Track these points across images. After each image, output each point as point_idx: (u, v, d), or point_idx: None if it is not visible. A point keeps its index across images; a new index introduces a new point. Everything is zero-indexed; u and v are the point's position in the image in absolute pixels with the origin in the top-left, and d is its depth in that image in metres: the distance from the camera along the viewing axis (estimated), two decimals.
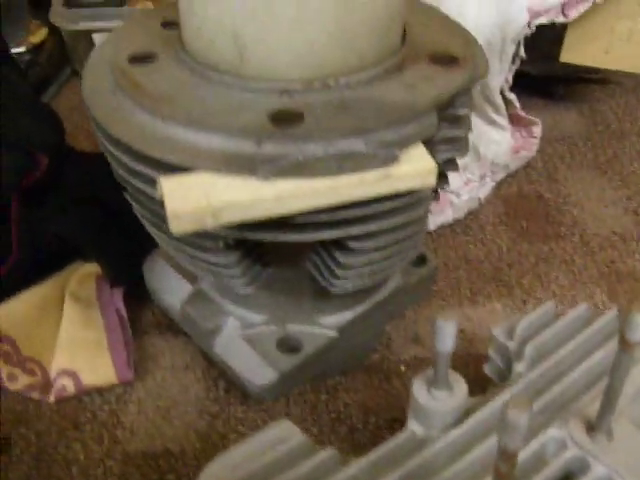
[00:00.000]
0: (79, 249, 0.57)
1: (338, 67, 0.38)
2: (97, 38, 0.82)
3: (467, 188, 0.67)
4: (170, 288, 0.53)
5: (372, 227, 0.38)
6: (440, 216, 0.66)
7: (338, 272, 0.41)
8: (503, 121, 0.72)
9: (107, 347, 0.54)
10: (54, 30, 0.88)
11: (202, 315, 0.49)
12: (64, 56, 0.90)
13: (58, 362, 0.54)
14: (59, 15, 0.81)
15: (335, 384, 0.54)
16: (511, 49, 0.67)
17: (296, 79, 0.37)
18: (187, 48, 0.40)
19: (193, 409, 0.53)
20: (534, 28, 0.66)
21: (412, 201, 0.38)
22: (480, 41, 0.67)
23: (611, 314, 0.45)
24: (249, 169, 0.34)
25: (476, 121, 0.71)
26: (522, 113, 0.71)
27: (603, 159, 0.76)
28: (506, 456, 0.27)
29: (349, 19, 0.36)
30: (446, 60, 0.41)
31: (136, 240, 0.55)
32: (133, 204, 0.43)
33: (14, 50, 0.89)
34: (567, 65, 0.77)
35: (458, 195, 0.66)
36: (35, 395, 0.53)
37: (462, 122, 0.42)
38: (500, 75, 0.68)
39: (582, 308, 0.46)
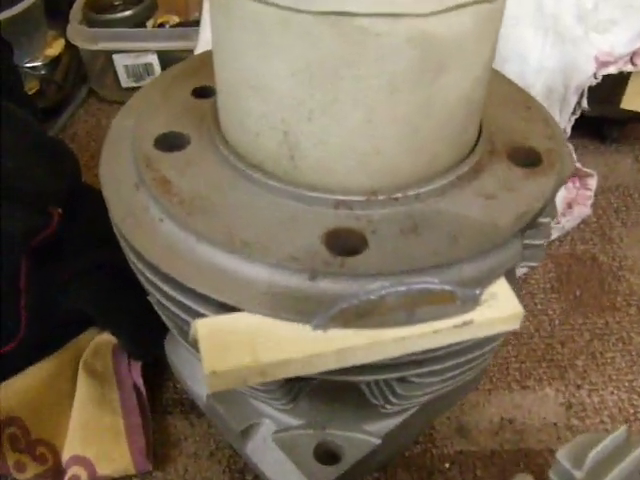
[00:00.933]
0: (94, 319, 0.52)
1: (407, 176, 0.32)
2: (117, 59, 0.76)
3: None
4: (195, 373, 0.47)
5: (440, 365, 0.32)
6: None
7: (394, 400, 0.36)
8: None
9: (124, 433, 0.49)
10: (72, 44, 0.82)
11: (232, 414, 0.44)
12: (81, 73, 0.84)
13: (70, 447, 0.49)
14: (77, 33, 0.75)
15: None
16: (573, 99, 0.61)
17: (357, 189, 0.31)
18: (226, 137, 0.35)
19: None
20: (600, 78, 0.60)
21: (489, 338, 0.32)
22: (541, 87, 0.62)
23: None
24: (302, 312, 0.28)
25: None
26: (578, 164, 0.65)
27: None
28: None
29: (425, 123, 0.30)
30: (528, 158, 0.35)
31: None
32: (156, 308, 0.37)
33: (30, 64, 0.84)
34: (625, 109, 0.70)
35: None
36: None
37: (542, 230, 0.36)
38: None
39: None
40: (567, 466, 0.40)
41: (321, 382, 0.39)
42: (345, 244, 0.30)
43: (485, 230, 0.31)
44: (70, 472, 0.48)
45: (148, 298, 0.38)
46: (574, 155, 0.63)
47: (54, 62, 0.84)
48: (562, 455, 0.41)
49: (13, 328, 0.48)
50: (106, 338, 0.53)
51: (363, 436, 0.43)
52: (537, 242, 0.36)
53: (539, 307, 0.61)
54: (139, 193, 0.34)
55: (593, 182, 0.68)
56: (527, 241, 0.36)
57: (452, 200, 0.32)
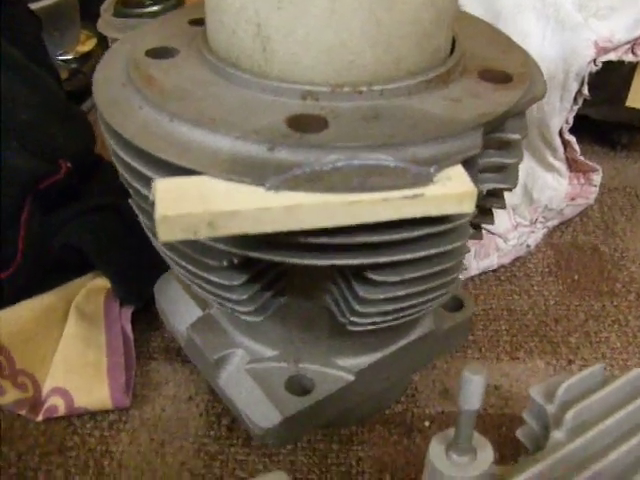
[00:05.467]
0: (90, 260, 0.53)
1: (372, 72, 0.33)
2: None
3: (516, 232, 0.61)
4: (179, 312, 0.48)
5: (396, 257, 0.33)
6: (484, 260, 0.60)
7: (357, 307, 0.36)
8: (562, 167, 0.66)
9: (105, 369, 0.50)
10: (103, 42, 0.87)
11: (208, 343, 0.45)
12: None
13: (52, 379, 0.50)
14: (107, 24, 0.79)
15: (350, 434, 0.49)
16: (574, 86, 0.61)
17: (323, 81, 0.33)
18: (210, 42, 0.37)
19: (190, 446, 0.48)
20: (600, 65, 0.61)
21: (445, 230, 0.33)
22: None
23: None
24: (258, 177, 0.29)
25: (533, 165, 0.66)
26: (581, 158, 0.66)
27: None
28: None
29: (387, 16, 0.32)
30: (499, 77, 0.36)
31: (151, 257, 0.51)
32: (136, 211, 0.39)
33: (62, 57, 0.89)
34: (632, 111, 0.71)
35: (505, 239, 0.61)
36: (23, 412, 0.49)
37: (512, 148, 0.37)
38: (560, 114, 0.63)
39: (635, 373, 0.40)
40: (539, 401, 0.39)
41: (289, 300, 0.39)
42: (307, 125, 0.31)
43: (444, 122, 0.32)
44: (49, 402, 0.49)
45: (129, 201, 0.39)
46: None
47: (85, 57, 0.88)
48: (534, 392, 0.40)
49: (10, 256, 0.50)
50: (99, 283, 0.54)
51: (336, 371, 0.43)
52: (509, 161, 0.37)
53: (535, 288, 0.60)
54: (125, 89, 0.35)
55: (598, 177, 0.68)
56: (498, 159, 0.37)
57: (417, 100, 0.33)
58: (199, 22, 0.41)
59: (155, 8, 0.81)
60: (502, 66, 0.37)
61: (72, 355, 0.50)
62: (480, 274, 0.61)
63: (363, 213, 0.29)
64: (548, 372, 0.53)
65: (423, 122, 0.32)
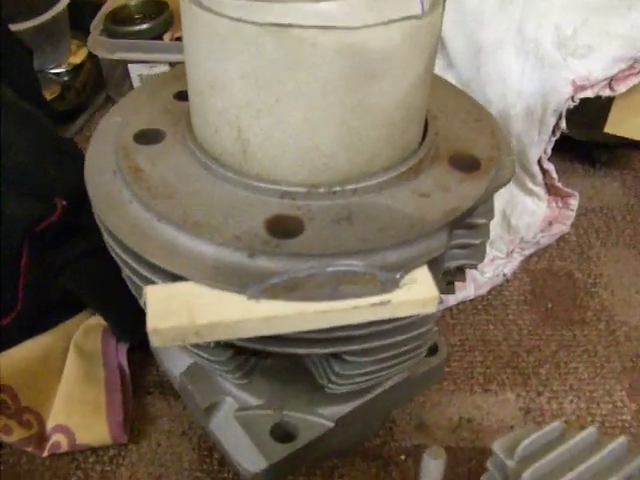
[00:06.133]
0: (85, 301, 0.56)
1: (345, 172, 0.36)
2: (132, 68, 0.82)
3: (492, 265, 0.64)
4: (173, 357, 0.51)
5: (368, 344, 0.36)
6: (461, 292, 0.63)
7: (333, 378, 0.39)
8: (540, 191, 0.69)
9: (104, 407, 0.53)
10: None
11: (199, 391, 0.48)
12: (101, 81, 0.90)
13: (55, 417, 0.53)
14: (97, 43, 0.81)
15: (331, 467, 0.52)
16: (552, 121, 0.64)
17: (300, 182, 0.35)
18: (194, 132, 0.39)
19: None
20: (577, 101, 0.63)
21: (412, 322, 0.35)
22: (520, 109, 0.65)
23: (621, 440, 0.43)
24: (240, 285, 0.32)
25: (512, 190, 0.68)
26: (559, 185, 0.68)
27: None
28: None
29: (359, 124, 0.34)
30: (468, 164, 0.39)
31: None
32: (126, 281, 0.41)
33: (54, 70, 0.90)
34: (611, 134, 0.73)
35: (482, 273, 0.63)
36: (29, 449, 0.52)
37: (479, 230, 0.39)
38: (539, 146, 0.65)
39: (590, 431, 0.43)
40: (500, 456, 0.43)
41: (273, 362, 0.43)
42: (284, 228, 0.34)
43: (413, 223, 0.34)
44: (52, 439, 0.52)
45: (122, 275, 0.42)
46: (552, 170, 0.66)
47: (77, 69, 0.90)
48: (497, 446, 0.44)
49: (11, 303, 0.52)
50: (96, 321, 0.57)
51: (317, 419, 0.47)
52: (475, 241, 0.40)
53: (510, 317, 0.63)
54: (116, 179, 0.38)
55: (575, 202, 0.71)
56: (465, 240, 0.39)
57: (388, 196, 0.36)
58: (183, 96, 0.43)
59: (144, 26, 0.82)
60: (472, 149, 0.40)
61: (73, 393, 0.53)
62: (457, 304, 0.64)
63: (335, 319, 0.32)
64: (518, 404, 0.56)
65: (393, 223, 0.34)
